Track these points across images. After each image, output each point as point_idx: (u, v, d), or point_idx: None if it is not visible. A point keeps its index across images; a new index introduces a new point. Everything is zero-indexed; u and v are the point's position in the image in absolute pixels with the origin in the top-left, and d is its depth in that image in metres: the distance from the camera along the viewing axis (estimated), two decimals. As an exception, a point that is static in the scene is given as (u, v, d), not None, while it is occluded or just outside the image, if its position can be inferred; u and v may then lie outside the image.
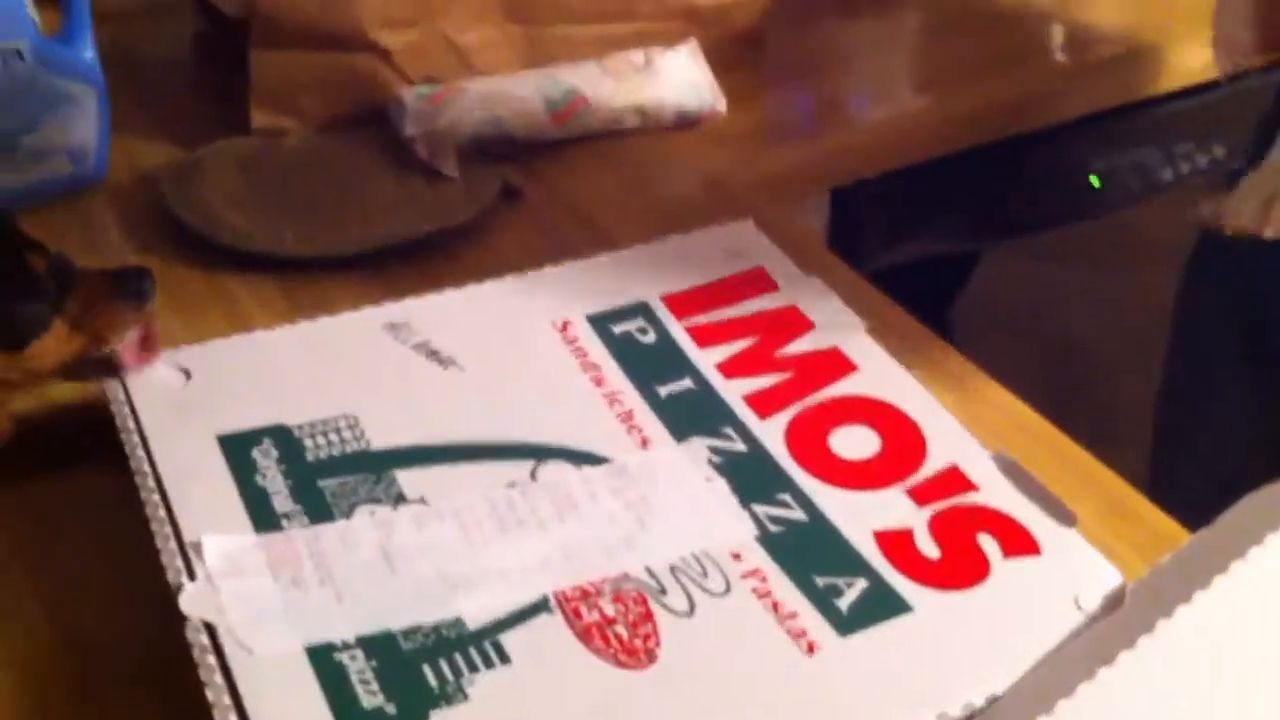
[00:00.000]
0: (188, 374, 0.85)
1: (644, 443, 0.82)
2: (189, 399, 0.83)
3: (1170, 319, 1.23)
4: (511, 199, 1.08)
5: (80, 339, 0.82)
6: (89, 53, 1.08)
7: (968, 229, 1.45)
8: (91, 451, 0.84)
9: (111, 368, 0.84)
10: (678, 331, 0.91)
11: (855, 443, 0.83)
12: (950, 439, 0.83)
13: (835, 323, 0.92)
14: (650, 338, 0.91)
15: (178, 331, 0.95)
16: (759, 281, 0.96)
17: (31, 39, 1.03)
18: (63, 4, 1.07)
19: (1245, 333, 1.14)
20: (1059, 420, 0.88)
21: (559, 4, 1.20)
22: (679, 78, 1.18)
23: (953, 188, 1.35)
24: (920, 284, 1.56)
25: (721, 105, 1.19)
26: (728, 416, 0.85)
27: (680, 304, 0.93)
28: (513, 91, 1.14)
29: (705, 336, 0.91)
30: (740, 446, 0.83)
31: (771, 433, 0.83)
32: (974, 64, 1.32)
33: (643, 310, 0.93)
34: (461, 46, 1.17)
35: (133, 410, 0.82)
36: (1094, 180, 1.41)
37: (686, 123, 1.18)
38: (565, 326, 0.91)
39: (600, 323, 0.91)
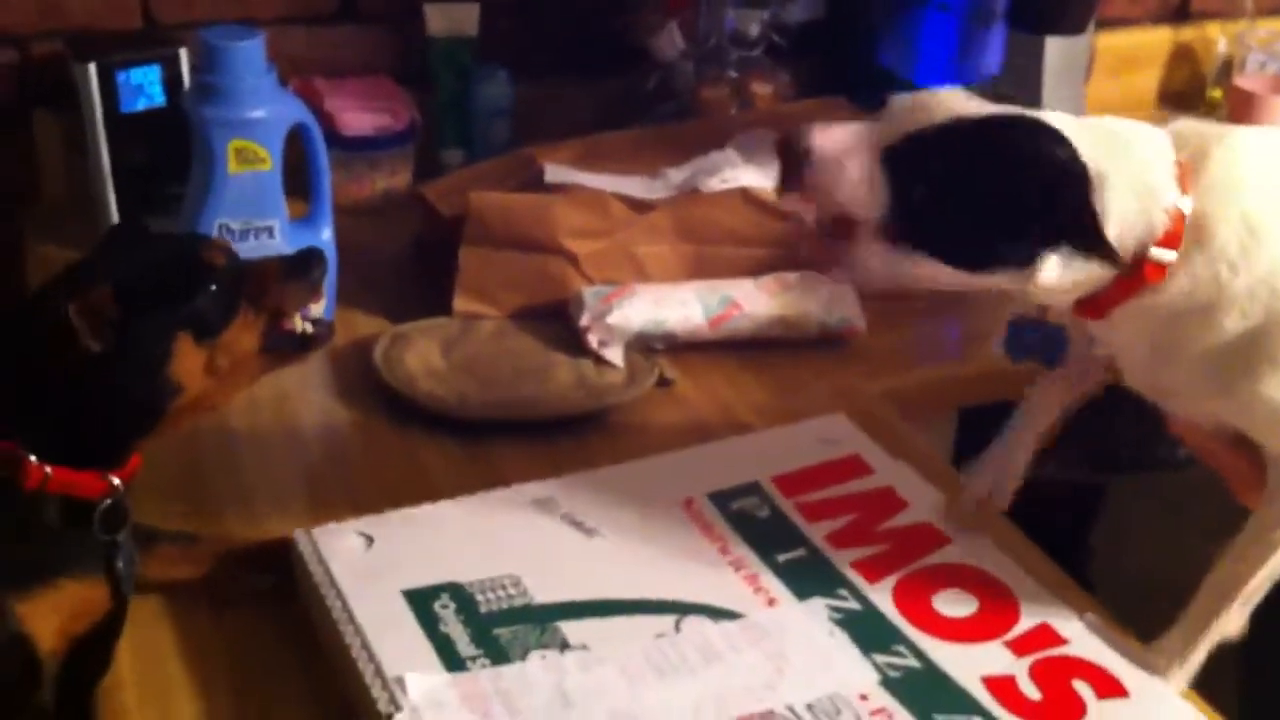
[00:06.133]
0: (369, 540, 0.97)
1: (770, 602, 0.94)
2: (372, 560, 0.95)
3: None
4: (665, 387, 1.22)
5: (263, 317, 0.91)
6: (326, 233, 1.26)
7: (1086, 462, 1.49)
8: (263, 595, 0.96)
9: (304, 343, 0.94)
10: (789, 508, 1.03)
11: (956, 603, 0.94)
12: (1039, 601, 0.95)
13: (927, 502, 1.04)
14: (765, 513, 1.03)
15: (369, 482, 1.09)
16: (855, 466, 1.08)
17: (281, 220, 1.22)
18: (311, 196, 1.26)
19: None
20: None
21: (729, 229, 1.34)
22: (825, 296, 1.29)
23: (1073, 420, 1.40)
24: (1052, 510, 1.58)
25: (862, 324, 1.29)
26: (841, 580, 0.96)
27: (788, 484, 1.06)
28: (676, 296, 1.27)
29: (813, 512, 1.03)
30: (855, 605, 0.94)
31: (881, 594, 0.95)
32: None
33: (756, 489, 1.05)
34: (638, 257, 1.32)
35: (324, 565, 0.94)
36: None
37: (828, 337, 1.29)
38: (689, 503, 1.03)
39: (720, 500, 1.04)
